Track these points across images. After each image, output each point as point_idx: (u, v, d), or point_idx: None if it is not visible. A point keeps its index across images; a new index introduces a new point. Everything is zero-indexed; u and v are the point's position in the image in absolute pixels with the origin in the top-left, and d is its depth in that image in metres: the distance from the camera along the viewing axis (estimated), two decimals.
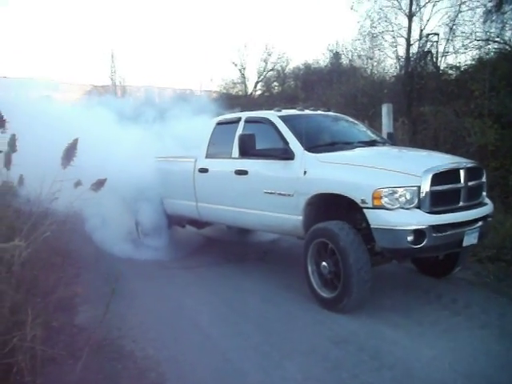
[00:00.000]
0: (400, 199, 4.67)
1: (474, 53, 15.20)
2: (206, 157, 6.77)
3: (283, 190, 5.55)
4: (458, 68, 15.04)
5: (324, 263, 5.12)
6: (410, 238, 4.61)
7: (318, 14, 44.25)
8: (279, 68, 29.08)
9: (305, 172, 5.32)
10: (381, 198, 4.67)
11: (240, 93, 29.44)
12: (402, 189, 4.67)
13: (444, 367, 3.85)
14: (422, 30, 16.79)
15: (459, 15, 15.61)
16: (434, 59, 16.08)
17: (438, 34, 16.44)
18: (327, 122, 6.44)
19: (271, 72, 29.39)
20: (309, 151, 5.43)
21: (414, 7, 16.98)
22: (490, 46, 14.60)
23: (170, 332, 4.62)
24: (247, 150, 5.64)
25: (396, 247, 4.73)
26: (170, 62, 50.69)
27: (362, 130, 6.54)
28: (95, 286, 5.34)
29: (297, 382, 3.65)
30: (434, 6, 16.88)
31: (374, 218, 4.73)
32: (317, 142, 5.63)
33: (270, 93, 27.94)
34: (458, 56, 16.00)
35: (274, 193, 5.66)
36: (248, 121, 6.31)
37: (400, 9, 17.58)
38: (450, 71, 15.16)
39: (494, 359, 3.99)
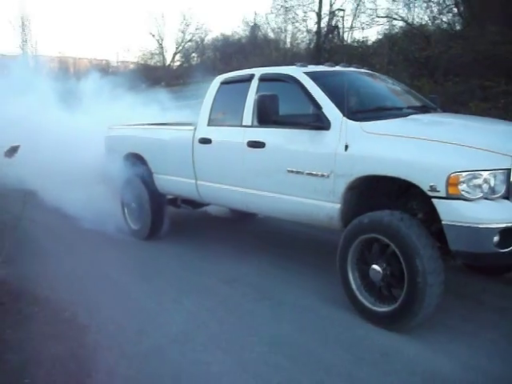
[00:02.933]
0: (483, 186, 3.42)
1: (379, 28, 17.91)
2: (209, 124, 5.40)
3: (314, 168, 4.25)
4: (363, 42, 16.38)
5: (376, 267, 3.88)
6: (496, 240, 3.38)
7: None
8: (198, 39, 29.35)
9: (346, 146, 4.02)
10: (458, 184, 3.41)
11: (158, 64, 29.06)
12: (487, 172, 3.42)
13: None
14: (331, 5, 18.60)
15: None
16: (341, 34, 17.87)
17: (344, 10, 18.27)
18: (366, 81, 5.10)
19: (190, 43, 29.56)
20: (350, 119, 4.11)
21: None
22: (392, 23, 16.34)
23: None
24: (268, 116, 4.30)
25: (477, 251, 3.49)
26: (85, 31, 48.48)
27: (407, 92, 5.22)
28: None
29: (189, 312, 4.30)
30: None
31: (448, 212, 3.49)
32: (359, 107, 4.31)
33: (189, 64, 27.44)
34: (363, 31, 19.38)
35: (300, 172, 4.37)
36: (263, 79, 4.93)
37: None
38: (356, 45, 16.22)
39: None
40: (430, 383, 3.23)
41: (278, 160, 4.57)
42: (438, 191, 3.49)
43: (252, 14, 30.73)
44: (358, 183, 4.03)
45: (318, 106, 4.31)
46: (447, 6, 15.75)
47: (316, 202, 4.30)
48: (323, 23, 18.56)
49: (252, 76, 5.03)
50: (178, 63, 29.68)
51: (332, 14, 18.37)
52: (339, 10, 18.38)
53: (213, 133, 5.29)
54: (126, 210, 6.73)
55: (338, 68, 5.10)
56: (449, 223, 3.48)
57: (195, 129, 5.53)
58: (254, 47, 21.65)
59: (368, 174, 3.91)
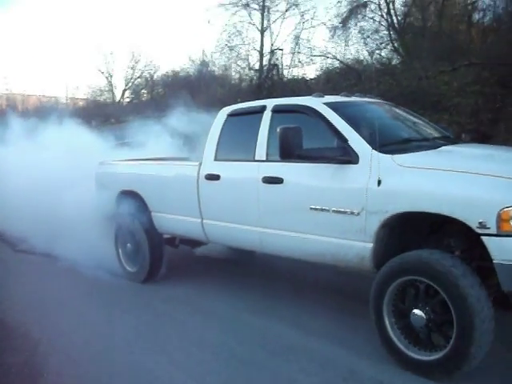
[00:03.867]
0: None
1: (318, 66, 18.37)
2: (216, 159, 5.06)
3: (342, 206, 3.95)
4: (301, 79, 17.44)
5: (417, 311, 3.55)
6: None
7: (183, 23, 45.70)
8: (147, 75, 29.70)
9: (379, 181, 3.73)
10: (511, 220, 3.15)
11: (108, 100, 29.17)
12: None
13: None
14: (272, 44, 19.98)
15: (306, 31, 18.99)
16: (280, 71, 18.65)
17: (282, 50, 19.52)
18: (385, 111, 4.88)
19: (139, 79, 29.80)
20: (380, 152, 3.85)
21: (265, 23, 20.03)
22: (327, 61, 17.63)
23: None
24: (291, 150, 3.99)
25: None
26: (32, 67, 48.49)
27: (425, 122, 5.01)
28: None
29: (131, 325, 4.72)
30: (282, 22, 20.22)
31: (500, 250, 3.21)
32: (386, 139, 4.04)
33: (139, 100, 27.62)
34: (303, 68, 19.40)
35: (326, 209, 4.05)
36: (277, 110, 4.65)
37: (253, 24, 20.27)
38: (294, 82, 17.16)
39: None
40: None
41: (298, 197, 4.26)
42: (488, 228, 3.22)
43: (198, 51, 31.04)
44: (391, 220, 3.73)
45: (343, 139, 4.04)
46: (382, 42, 16.95)
47: (344, 241, 3.99)
48: (265, 61, 19.87)
49: (264, 108, 4.74)
50: (127, 99, 29.74)
51: (271, 52, 19.50)
52: (278, 49, 19.60)
53: (221, 168, 4.95)
54: (120, 252, 6.28)
55: (355, 99, 4.86)
56: (502, 262, 3.21)
57: (200, 164, 5.18)
58: (202, 84, 22.17)
59: (405, 211, 3.62)
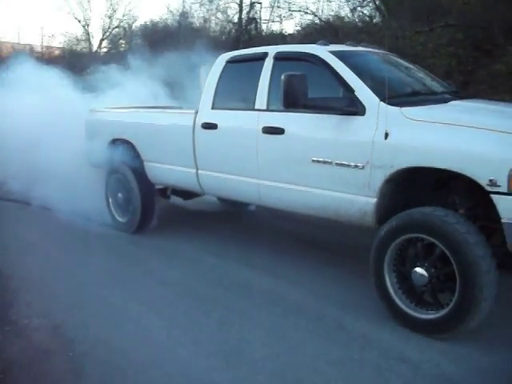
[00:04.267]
0: None
1: (297, 21, 19.24)
2: (213, 107, 4.86)
3: (346, 158, 3.81)
4: (279, 34, 17.62)
5: (419, 270, 3.48)
6: None
7: None
8: (125, 25, 28.72)
9: (386, 134, 3.59)
10: None
11: (85, 50, 28.48)
12: None
13: None
14: None
15: None
16: (259, 26, 19.07)
17: (260, 3, 19.57)
18: (391, 63, 4.68)
19: (117, 29, 28.79)
20: (388, 104, 3.68)
21: None
22: (306, 17, 17.50)
23: None
24: (296, 98, 3.81)
25: None
26: (7, 15, 46.47)
27: (431, 77, 4.83)
28: None
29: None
30: None
31: (510, 209, 3.12)
32: (393, 91, 3.87)
33: (117, 50, 27.09)
34: (281, 23, 20.54)
35: (328, 162, 3.92)
36: (279, 58, 4.43)
37: None
38: (272, 36, 17.18)
39: None
40: None
41: (300, 148, 4.11)
42: (499, 186, 3.11)
43: (177, 2, 30.13)
44: (396, 175, 3.61)
45: (349, 89, 3.86)
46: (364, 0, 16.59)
47: (347, 195, 3.87)
48: (244, 15, 19.69)
49: (265, 54, 4.52)
50: (105, 50, 28.93)
51: (250, 6, 19.42)
52: (257, 2, 19.52)
53: (219, 117, 4.76)
54: (110, 201, 6.13)
55: (361, 48, 4.65)
56: (510, 221, 3.12)
57: (196, 113, 4.98)
58: (181, 35, 21.87)
59: (412, 166, 3.50)
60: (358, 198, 3.81)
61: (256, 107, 4.43)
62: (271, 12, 19.42)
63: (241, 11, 19.96)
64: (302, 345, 3.41)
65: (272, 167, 4.34)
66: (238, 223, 6.42)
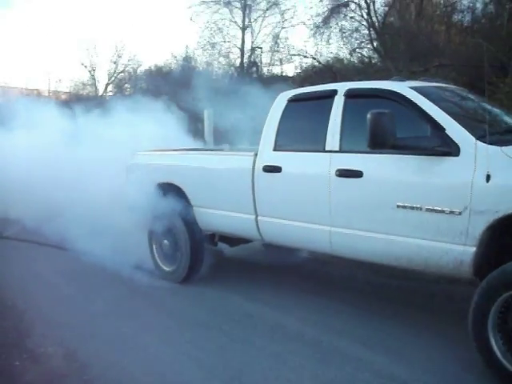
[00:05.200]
0: None
1: (297, 64, 19.47)
2: (275, 149, 4.55)
3: (439, 203, 3.45)
4: (280, 77, 18.00)
5: None
6: None
7: (166, 20, 44.56)
8: (130, 70, 29.35)
9: (488, 176, 3.23)
10: None
11: (91, 94, 29.12)
12: None
13: None
14: (252, 42, 21.08)
15: (286, 30, 19.88)
16: (260, 69, 19.68)
17: (261, 48, 20.64)
18: (469, 98, 4.37)
19: (122, 74, 29.46)
20: (485, 143, 3.35)
21: (246, 21, 20.79)
22: (306, 60, 18.00)
23: None
24: (385, 138, 3.49)
25: None
26: (16, 61, 47.64)
27: (506, 113, 4.51)
28: None
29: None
30: (262, 20, 21.03)
31: None
32: (486, 129, 3.53)
33: (122, 95, 27.52)
34: (281, 66, 20.38)
35: (417, 208, 3.56)
36: (351, 95, 4.13)
37: (234, 22, 21.10)
38: (273, 80, 16.31)
39: None
40: None
41: (382, 192, 3.76)
42: None
43: (180, 47, 31.00)
44: (500, 221, 3.24)
45: (439, 128, 3.54)
46: (362, 42, 17.24)
47: (439, 243, 3.50)
48: (245, 59, 20.74)
49: (334, 92, 4.23)
50: (110, 94, 29.62)
51: (252, 50, 20.45)
52: (257, 47, 20.49)
53: (282, 159, 4.44)
54: (154, 248, 5.76)
55: (435, 84, 4.36)
56: None
57: (256, 155, 4.66)
58: (185, 79, 22.44)
59: None
60: (452, 247, 3.43)
61: (327, 148, 4.12)
62: (271, 56, 20.27)
63: (242, 55, 20.85)
64: (300, 367, 3.55)
65: (347, 213, 3.99)
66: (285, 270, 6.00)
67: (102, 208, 6.26)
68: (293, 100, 4.57)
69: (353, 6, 17.09)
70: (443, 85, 4.48)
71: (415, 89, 3.85)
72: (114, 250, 5.83)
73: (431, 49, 13.50)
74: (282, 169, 4.40)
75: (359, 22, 17.17)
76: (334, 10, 17.20)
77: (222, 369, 3.59)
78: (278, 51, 19.98)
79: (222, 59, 21.96)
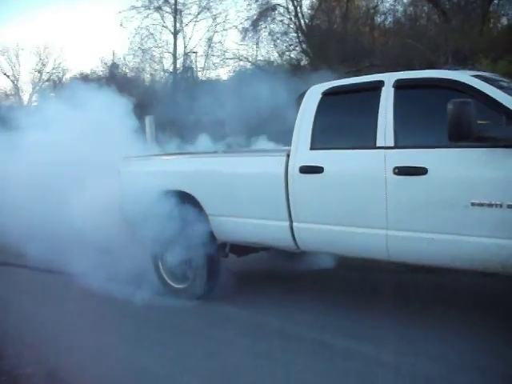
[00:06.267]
0: None
1: (230, 68, 19.22)
2: (313, 147, 4.14)
3: None
4: (216, 81, 18.15)
5: None
6: None
7: (94, 26, 44.83)
8: (56, 78, 28.46)
9: None
10: None
11: (15, 105, 28.64)
12: None
13: None
14: (185, 47, 20.95)
15: (219, 34, 20.10)
16: (195, 74, 19.88)
17: (196, 52, 20.60)
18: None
19: (47, 83, 28.71)
20: None
21: (178, 26, 20.64)
22: (240, 63, 18.46)
23: None
24: (470, 130, 3.18)
25: None
26: None
27: None
28: None
29: None
30: (194, 25, 21.00)
31: None
32: None
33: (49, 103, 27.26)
34: (216, 70, 20.56)
35: (496, 204, 3.26)
36: (403, 86, 3.80)
37: (166, 27, 20.83)
38: (209, 84, 17.34)
39: None
40: None
41: (452, 190, 3.44)
42: None
43: (110, 53, 30.23)
44: None
45: None
46: (291, 44, 17.70)
47: None
48: (178, 64, 20.69)
49: (380, 83, 3.88)
50: (36, 103, 28.89)
51: (186, 55, 20.40)
52: (192, 52, 20.51)
53: (323, 159, 4.04)
54: (161, 265, 5.19)
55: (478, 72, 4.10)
56: None
57: (288, 155, 4.23)
58: (114, 86, 22.07)
59: None
60: None
61: (379, 144, 3.76)
62: (205, 60, 20.37)
63: (175, 60, 20.68)
64: (290, 363, 3.50)
65: (408, 214, 3.64)
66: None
67: (88, 221, 5.63)
68: (328, 94, 4.19)
69: (281, 9, 17.56)
70: (484, 73, 4.24)
71: (479, 77, 3.57)
72: (104, 268, 5.26)
73: (359, 49, 13.85)
74: (324, 169, 3.99)
75: (288, 25, 17.69)
76: (262, 14, 17.55)
77: None
78: (212, 55, 20.23)
79: (154, 65, 21.93)
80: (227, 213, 4.66)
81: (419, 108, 3.74)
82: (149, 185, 5.10)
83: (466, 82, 3.51)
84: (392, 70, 10.43)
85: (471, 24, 13.49)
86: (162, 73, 21.90)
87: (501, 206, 3.26)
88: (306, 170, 4.08)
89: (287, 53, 18.05)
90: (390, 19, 16.95)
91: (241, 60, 18.79)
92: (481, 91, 3.43)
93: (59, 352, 3.95)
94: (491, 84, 3.52)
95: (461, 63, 10.29)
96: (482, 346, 3.56)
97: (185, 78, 19.96)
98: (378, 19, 17.44)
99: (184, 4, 20.98)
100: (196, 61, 20.83)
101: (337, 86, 4.21)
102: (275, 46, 18.00)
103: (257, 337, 4.04)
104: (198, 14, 20.93)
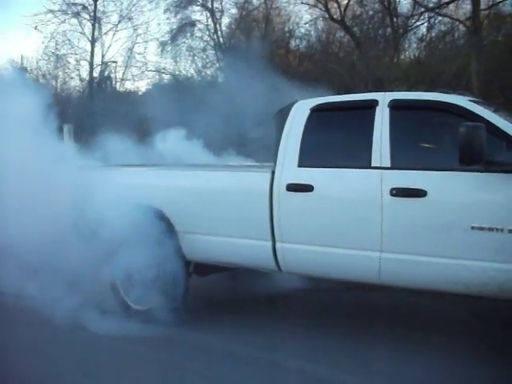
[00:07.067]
0: None
1: (149, 80, 19.11)
2: (301, 165, 3.98)
3: None
4: (135, 93, 18.51)
5: None
6: None
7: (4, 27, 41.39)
8: None
9: None
10: None
11: None
12: None
13: None
14: (103, 56, 20.26)
15: (136, 46, 19.44)
16: (114, 84, 19.55)
17: (116, 62, 19.95)
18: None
19: None
20: None
21: (96, 33, 20.07)
22: (160, 76, 18.38)
23: None
24: (482, 154, 3.15)
25: None
26: None
27: None
28: None
29: None
30: (114, 34, 20.23)
31: None
32: None
33: None
34: (134, 82, 20.68)
35: (497, 229, 3.27)
36: (398, 106, 3.75)
37: (83, 33, 20.22)
38: (128, 95, 18.02)
39: None
40: None
41: (452, 213, 3.42)
42: None
43: (19, 56, 28.80)
44: None
45: None
46: (209, 61, 17.95)
47: None
48: (96, 73, 20.13)
49: (374, 102, 3.81)
50: None
51: (105, 64, 19.92)
52: (112, 61, 19.95)
53: (313, 177, 3.89)
54: (119, 285, 4.78)
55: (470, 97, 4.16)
56: None
57: (273, 172, 4.05)
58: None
59: None
60: None
61: (374, 164, 3.67)
62: (124, 71, 19.98)
63: (91, 69, 20.06)
64: None
65: (405, 237, 3.57)
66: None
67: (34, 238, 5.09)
68: (317, 110, 4.06)
69: (201, 25, 17.68)
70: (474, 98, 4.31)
71: (476, 102, 3.60)
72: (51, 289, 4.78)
73: (278, 71, 14.22)
74: (314, 187, 3.84)
75: (207, 42, 17.86)
76: (182, 29, 17.56)
77: None
78: (132, 66, 19.84)
79: (69, 72, 21.12)
80: (199, 230, 4.38)
81: (416, 130, 3.72)
82: (107, 198, 4.66)
83: (466, 107, 3.52)
84: (310, 91, 10.84)
85: (388, 54, 14.34)
86: (78, 81, 21.29)
87: (502, 230, 3.26)
88: (294, 187, 3.91)
89: (204, 70, 18.15)
90: (304, 44, 17.54)
91: (162, 73, 18.64)
92: (480, 116, 3.45)
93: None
94: (487, 109, 3.54)
95: (379, 89, 10.80)
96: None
97: (102, 88, 19.55)
98: (293, 43, 17.97)
99: (104, 12, 20.42)
100: (116, 71, 20.34)
101: (327, 103, 4.09)
102: (193, 62, 18.11)
103: (209, 360, 3.84)
104: (119, 22, 20.33)
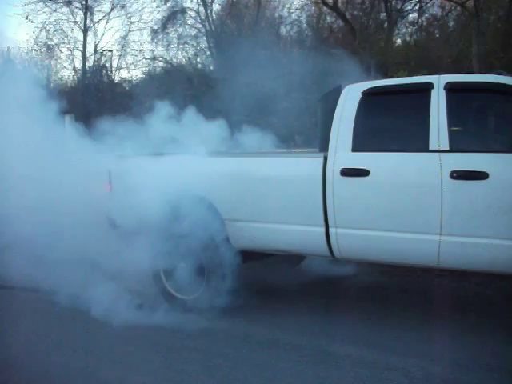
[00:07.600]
0: None
1: (145, 69, 18.54)
2: (355, 149, 3.96)
3: None
4: (130, 81, 18.19)
5: None
6: None
7: None
8: None
9: None
10: None
11: None
12: None
13: None
14: (96, 45, 19.74)
15: (130, 34, 18.76)
16: (109, 73, 19.07)
17: (111, 51, 19.38)
18: None
19: None
20: None
21: (88, 22, 19.47)
22: (156, 64, 17.93)
23: None
24: None
25: None
26: None
27: None
28: None
29: None
30: (107, 22, 19.71)
31: None
32: None
33: None
34: (130, 71, 20.83)
35: None
36: (454, 89, 3.72)
37: (75, 22, 19.58)
38: (124, 84, 17.95)
39: None
40: None
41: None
42: None
43: (6, 47, 28.30)
44: None
45: None
46: (201, 49, 17.52)
47: None
48: (89, 62, 19.54)
49: (429, 85, 3.78)
50: None
51: (100, 53, 19.41)
52: (107, 50, 19.38)
53: (369, 161, 3.87)
54: (162, 275, 4.76)
55: None
56: None
57: (325, 157, 4.03)
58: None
59: None
60: None
61: (432, 148, 3.66)
62: (119, 59, 19.55)
63: (84, 58, 19.55)
64: (297, 373, 3.37)
65: (465, 219, 3.57)
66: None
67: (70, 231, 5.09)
68: (369, 93, 4.03)
69: (192, 13, 17.22)
70: None
71: None
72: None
73: (271, 57, 14.18)
74: (371, 172, 3.82)
75: (198, 29, 17.44)
76: (172, 16, 17.16)
77: None
78: (128, 54, 19.28)
79: (61, 61, 20.61)
80: (248, 218, 4.36)
81: (473, 112, 3.70)
82: (148, 187, 4.62)
83: None
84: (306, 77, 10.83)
85: (386, 40, 14.29)
86: (71, 71, 20.78)
87: None
88: (349, 172, 3.89)
89: (196, 57, 17.79)
90: (294, 30, 17.22)
91: (158, 61, 18.11)
92: None
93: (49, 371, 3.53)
94: None
95: (383, 74, 10.78)
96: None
97: (97, 78, 19.05)
98: (284, 29, 17.53)
99: (96, 0, 19.75)
100: (112, 59, 19.75)
101: (378, 87, 4.06)
102: (183, 49, 17.65)
103: (251, 348, 3.85)
104: (111, 10, 19.74)
